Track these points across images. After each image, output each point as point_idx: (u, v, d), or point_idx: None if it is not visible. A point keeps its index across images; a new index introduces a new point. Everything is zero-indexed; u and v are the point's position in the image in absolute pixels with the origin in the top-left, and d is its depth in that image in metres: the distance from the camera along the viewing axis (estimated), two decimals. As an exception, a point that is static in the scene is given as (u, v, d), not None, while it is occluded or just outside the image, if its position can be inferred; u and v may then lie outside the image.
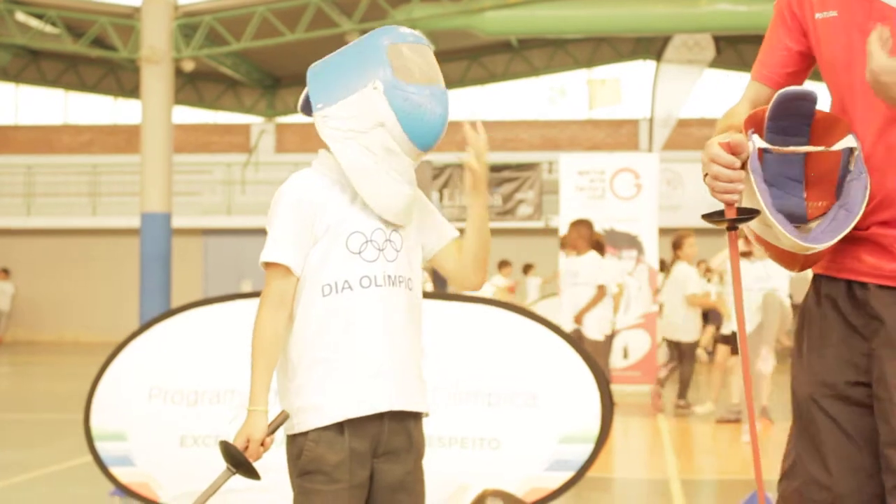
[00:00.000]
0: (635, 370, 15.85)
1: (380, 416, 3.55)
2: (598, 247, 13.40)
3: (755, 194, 2.83)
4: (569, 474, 6.93)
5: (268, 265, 3.57)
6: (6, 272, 30.79)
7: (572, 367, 6.97)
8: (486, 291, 13.89)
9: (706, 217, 2.94)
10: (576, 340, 7.14)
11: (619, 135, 32.41)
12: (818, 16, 3.00)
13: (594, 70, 33.17)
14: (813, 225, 2.96)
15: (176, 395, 6.98)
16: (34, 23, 27.28)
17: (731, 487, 9.23)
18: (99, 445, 7.05)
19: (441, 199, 28.15)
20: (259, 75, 33.22)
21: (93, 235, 30.31)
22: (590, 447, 6.89)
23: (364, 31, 27.91)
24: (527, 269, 26.60)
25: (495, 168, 29.32)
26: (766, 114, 2.91)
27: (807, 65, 3.14)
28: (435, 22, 26.21)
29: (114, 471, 7.01)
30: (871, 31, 2.77)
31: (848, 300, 2.95)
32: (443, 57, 23.79)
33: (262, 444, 3.55)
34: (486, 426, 7.03)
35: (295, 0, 26.10)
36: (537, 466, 6.96)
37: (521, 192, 28.89)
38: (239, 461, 3.53)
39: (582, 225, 12.84)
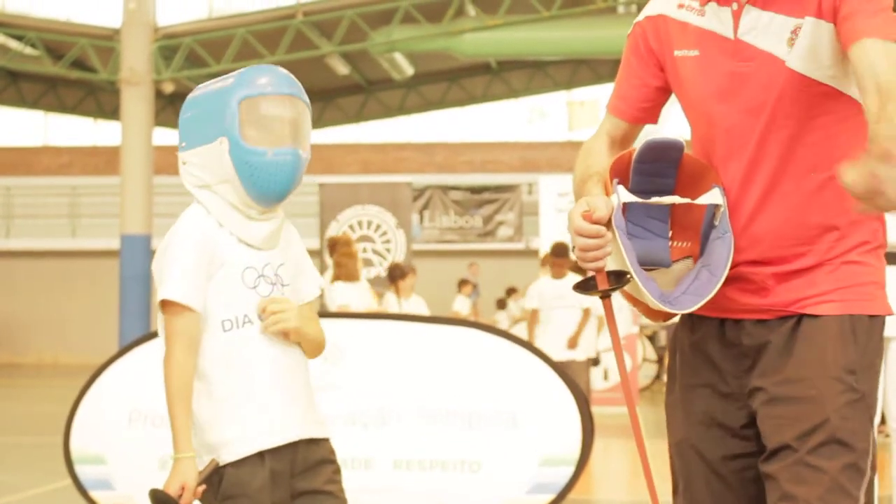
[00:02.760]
0: (615, 392, 15.87)
1: (294, 442, 3.62)
2: (577, 268, 13.40)
3: (621, 252, 2.80)
4: (550, 497, 6.94)
5: (169, 304, 3.51)
6: (-15, 294, 30.71)
7: (552, 389, 6.99)
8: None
9: (577, 288, 2.93)
10: (555, 363, 7.14)
11: (598, 156, 32.45)
12: (678, 53, 2.97)
13: (573, 92, 33.25)
14: (676, 267, 2.96)
15: (156, 418, 6.97)
16: (14, 44, 27.24)
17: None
18: (79, 469, 7.03)
19: (421, 220, 28.18)
20: (239, 97, 33.19)
21: (72, 257, 30.22)
22: (571, 469, 6.91)
23: (344, 54, 28.00)
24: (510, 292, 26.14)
25: (475, 190, 29.36)
26: (633, 157, 2.88)
27: (663, 99, 3.12)
28: (414, 44, 26.26)
29: (93, 494, 6.99)
30: (741, 73, 2.82)
31: (719, 339, 2.98)
32: (422, 79, 23.93)
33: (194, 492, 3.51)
34: (466, 449, 7.04)
35: (275, 22, 26.14)
36: (518, 489, 6.97)
37: (500, 213, 28.93)
38: None
39: (560, 248, 12.84)
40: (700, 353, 3.01)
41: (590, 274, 2.87)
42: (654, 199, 2.89)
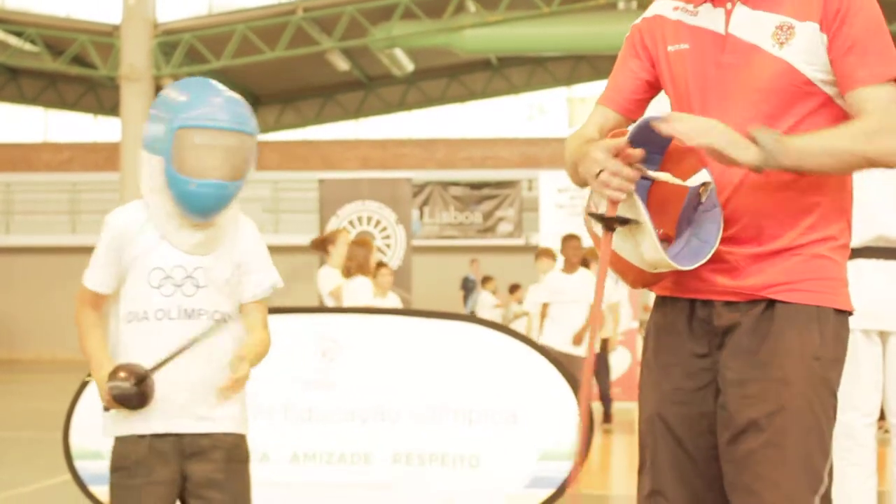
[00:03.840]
0: (617, 387, 15.86)
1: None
2: (586, 264, 13.42)
3: (636, 206, 2.94)
4: (549, 491, 6.94)
5: (82, 285, 4.00)
6: (-15, 290, 30.73)
7: (551, 384, 6.99)
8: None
9: (591, 214, 3.03)
10: (555, 358, 7.14)
11: (598, 152, 32.42)
12: (671, 48, 3.17)
13: (574, 88, 33.26)
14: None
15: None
16: (13, 41, 27.24)
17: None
18: (78, 464, 7.03)
19: (421, 216, 28.17)
20: (239, 93, 32.78)
21: (72, 253, 30.14)
22: (569, 464, 6.90)
23: (344, 50, 27.98)
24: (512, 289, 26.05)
25: (475, 186, 29.35)
26: (628, 136, 2.97)
27: (653, 94, 3.30)
28: (415, 40, 26.26)
29: (93, 489, 6.99)
30: (728, 64, 3.04)
31: (690, 319, 3.12)
32: (422, 75, 23.95)
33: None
34: (465, 443, 7.03)
35: (275, 18, 26.13)
36: (517, 483, 6.97)
37: (501, 209, 28.93)
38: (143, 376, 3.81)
39: (574, 240, 12.78)
40: (671, 334, 3.16)
41: (600, 209, 2.99)
42: (653, 174, 3.02)
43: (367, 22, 25.82)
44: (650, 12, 3.27)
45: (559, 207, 16.72)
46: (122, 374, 3.78)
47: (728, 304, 3.04)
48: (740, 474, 2.98)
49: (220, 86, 3.99)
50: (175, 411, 3.89)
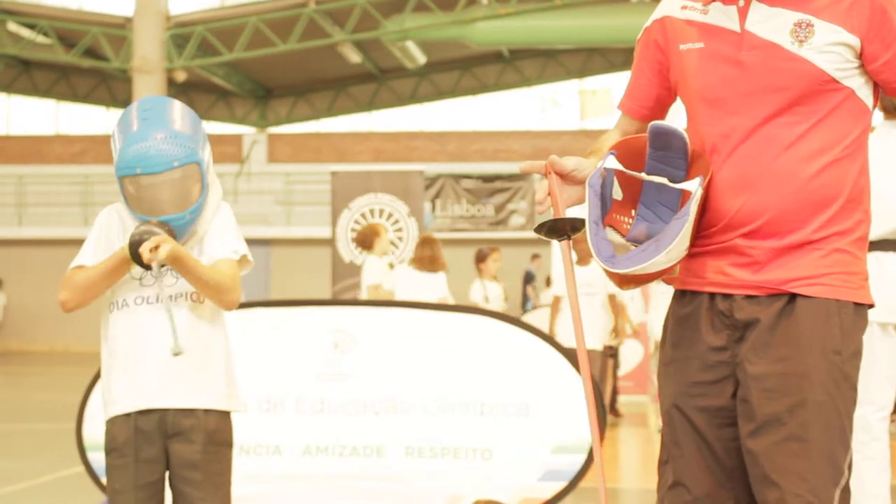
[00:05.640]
0: (628, 380, 15.85)
1: (164, 407, 4.11)
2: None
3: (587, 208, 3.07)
4: (561, 484, 6.93)
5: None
6: (-2, 282, 30.79)
7: (564, 376, 6.98)
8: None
9: (538, 228, 3.16)
10: (568, 351, 7.13)
11: (610, 145, 32.39)
12: (682, 47, 3.18)
13: (586, 80, 33.22)
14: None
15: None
16: (26, 33, 27.28)
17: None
18: (91, 455, 7.05)
19: (433, 209, 28.16)
20: (251, 85, 33.23)
21: (84, 245, 30.20)
22: (582, 457, 6.90)
23: (356, 42, 27.96)
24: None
25: (487, 178, 29.34)
26: (648, 143, 3.07)
27: (670, 99, 3.35)
28: (427, 32, 26.24)
29: (105, 481, 7.01)
30: (746, 63, 3.04)
31: (710, 312, 3.14)
32: (434, 67, 23.89)
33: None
34: (478, 436, 7.03)
35: (287, 10, 26.13)
36: (530, 476, 6.96)
37: (512, 202, 28.92)
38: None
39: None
40: (689, 327, 3.17)
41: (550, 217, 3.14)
42: (637, 174, 3.09)
43: (379, 14, 25.81)
44: (658, 14, 3.28)
45: (571, 200, 16.69)
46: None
47: (749, 297, 3.06)
48: (763, 467, 3.01)
49: (152, 115, 4.07)
50: (156, 388, 4.07)
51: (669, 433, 3.22)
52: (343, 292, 15.45)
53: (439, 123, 33.83)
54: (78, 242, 4.24)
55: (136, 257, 3.91)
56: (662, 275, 3.12)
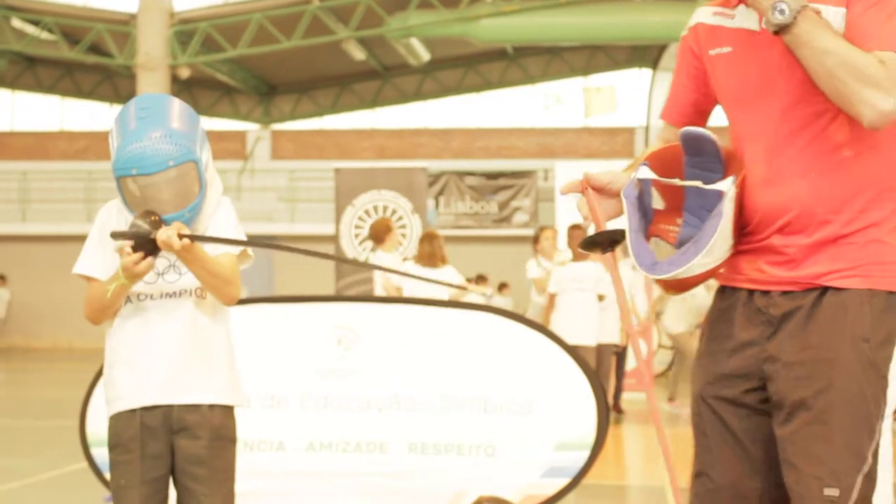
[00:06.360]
0: (631, 377, 15.84)
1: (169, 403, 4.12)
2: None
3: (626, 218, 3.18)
4: (564, 481, 6.93)
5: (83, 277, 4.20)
6: (2, 278, 30.78)
7: (568, 373, 6.98)
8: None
9: (582, 244, 3.30)
10: (571, 347, 7.13)
11: (614, 143, 32.42)
12: (712, 52, 3.27)
13: (590, 78, 33.21)
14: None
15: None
16: (30, 29, 27.29)
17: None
18: (95, 451, 7.05)
19: (437, 206, 28.15)
20: (255, 82, 33.23)
21: (88, 242, 30.18)
22: (585, 454, 6.90)
23: (360, 39, 27.95)
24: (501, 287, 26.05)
25: (491, 176, 29.32)
26: (682, 150, 3.16)
27: (708, 106, 3.41)
28: (431, 29, 26.24)
29: (109, 477, 7.01)
30: (766, 60, 3.11)
31: (746, 307, 3.20)
32: (439, 64, 23.81)
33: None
34: (481, 433, 7.03)
35: (291, 7, 26.12)
36: (533, 473, 6.96)
37: (516, 199, 28.91)
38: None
39: (581, 229, 12.79)
40: (724, 321, 3.25)
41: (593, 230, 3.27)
42: (670, 181, 3.16)
43: (384, 11, 25.80)
44: (692, 21, 3.36)
45: (575, 197, 16.67)
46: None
47: (785, 293, 3.12)
48: (786, 451, 3.07)
49: (148, 114, 4.04)
50: (161, 384, 4.08)
51: (697, 423, 3.29)
52: (346, 289, 15.44)
53: (443, 120, 33.82)
54: (81, 239, 4.21)
55: (142, 246, 3.88)
56: (709, 277, 3.20)
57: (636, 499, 9.33)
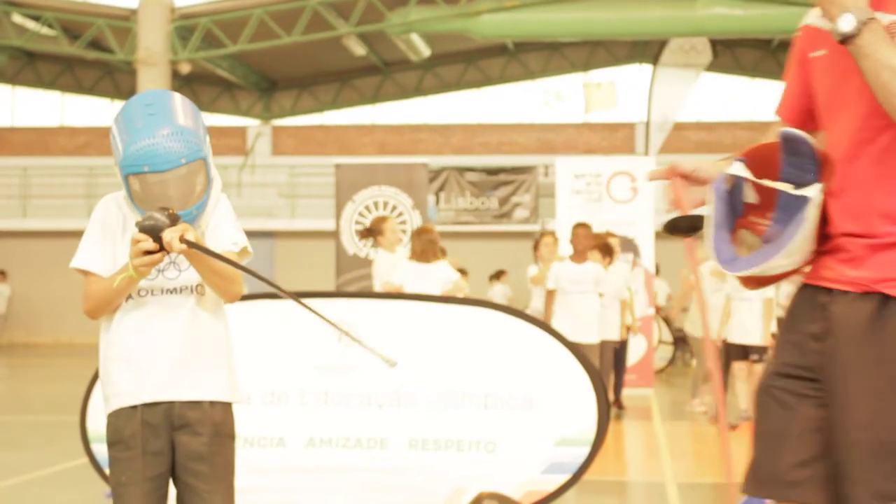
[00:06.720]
0: (631, 373, 15.86)
1: (170, 400, 4.11)
2: (607, 249, 13.42)
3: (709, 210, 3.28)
4: (565, 477, 6.94)
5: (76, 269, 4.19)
6: (2, 274, 30.78)
7: (568, 369, 6.98)
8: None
9: (666, 226, 3.44)
10: (571, 343, 7.13)
11: (615, 138, 32.42)
12: (812, 55, 3.33)
13: (590, 73, 33.17)
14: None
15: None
16: (31, 25, 27.28)
17: (727, 491, 9.21)
18: (95, 447, 7.06)
19: (437, 202, 28.14)
20: (255, 78, 33.22)
21: (89, 238, 30.13)
22: (586, 450, 6.90)
23: (361, 35, 27.94)
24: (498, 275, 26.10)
25: (491, 171, 29.31)
26: (781, 149, 3.25)
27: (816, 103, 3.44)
28: (431, 25, 26.23)
29: (109, 474, 7.01)
30: (852, 66, 3.10)
31: (811, 304, 3.28)
32: (439, 60, 23.82)
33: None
34: (482, 429, 7.03)
35: (292, 3, 26.11)
36: (534, 469, 6.97)
37: (517, 195, 28.90)
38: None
39: (583, 228, 12.79)
40: (795, 317, 3.34)
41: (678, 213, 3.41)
42: (759, 181, 3.26)
43: (384, 7, 25.79)
44: (805, 20, 3.42)
45: (576, 193, 16.66)
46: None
47: (845, 293, 3.18)
48: (843, 457, 3.12)
49: (156, 111, 4.02)
50: (162, 380, 4.07)
51: (758, 411, 3.34)
52: (347, 285, 15.44)
53: (443, 116, 33.80)
54: (82, 234, 4.19)
55: (155, 240, 3.87)
56: (789, 275, 3.30)
57: (637, 495, 9.34)
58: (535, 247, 14.23)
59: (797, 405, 3.23)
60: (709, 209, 3.29)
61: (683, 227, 3.37)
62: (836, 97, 3.23)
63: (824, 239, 3.25)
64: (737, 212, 3.32)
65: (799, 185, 3.20)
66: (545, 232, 14.44)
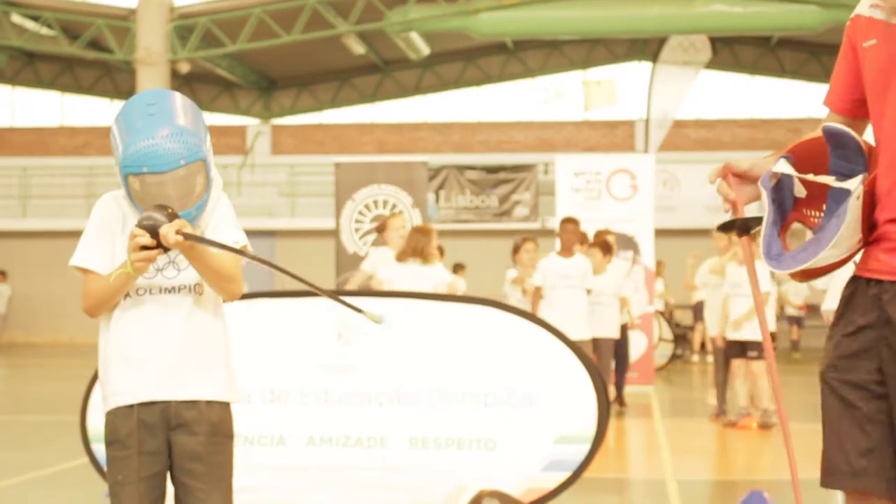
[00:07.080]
0: (632, 371, 15.85)
1: (167, 399, 4.10)
2: (607, 247, 13.42)
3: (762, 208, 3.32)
4: (565, 474, 6.94)
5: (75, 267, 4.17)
6: (2, 274, 30.79)
7: (568, 367, 6.98)
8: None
9: (720, 226, 3.51)
10: (571, 341, 7.13)
11: (614, 136, 32.42)
12: (864, 44, 3.34)
13: (589, 71, 33.17)
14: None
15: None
16: (30, 25, 27.27)
17: (727, 488, 9.23)
18: (95, 447, 7.06)
19: (437, 200, 28.14)
20: (255, 77, 33.21)
21: (89, 237, 30.12)
22: (586, 447, 6.90)
23: (360, 34, 27.94)
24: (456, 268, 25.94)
25: (491, 169, 29.31)
26: (827, 143, 3.29)
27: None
28: (431, 23, 26.22)
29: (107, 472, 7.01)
30: (893, 53, 3.17)
31: (863, 295, 3.29)
32: (438, 59, 23.82)
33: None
34: (482, 427, 7.03)
35: (291, 2, 26.10)
36: (534, 467, 6.97)
37: (517, 193, 28.90)
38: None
39: (571, 223, 12.77)
40: (849, 307, 3.35)
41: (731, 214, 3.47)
42: (803, 176, 3.31)
43: (383, 5, 25.79)
44: (855, 11, 3.43)
45: (575, 191, 16.66)
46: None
47: (892, 283, 3.21)
48: None
49: (156, 111, 4.01)
50: (160, 380, 4.07)
51: (822, 406, 3.36)
52: (347, 283, 15.44)
53: (443, 114, 33.81)
54: (81, 234, 4.18)
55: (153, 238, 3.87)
56: (841, 265, 3.34)
57: (637, 492, 9.34)
58: (515, 251, 14.17)
59: (856, 397, 3.24)
60: (761, 207, 3.34)
61: (738, 226, 3.43)
62: (881, 86, 3.24)
63: (872, 228, 3.27)
64: (786, 207, 3.36)
65: (846, 178, 3.23)
66: (527, 238, 14.38)
